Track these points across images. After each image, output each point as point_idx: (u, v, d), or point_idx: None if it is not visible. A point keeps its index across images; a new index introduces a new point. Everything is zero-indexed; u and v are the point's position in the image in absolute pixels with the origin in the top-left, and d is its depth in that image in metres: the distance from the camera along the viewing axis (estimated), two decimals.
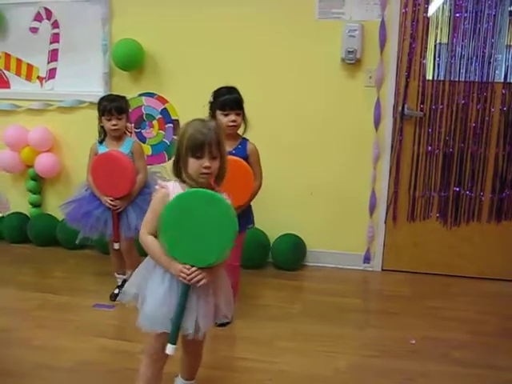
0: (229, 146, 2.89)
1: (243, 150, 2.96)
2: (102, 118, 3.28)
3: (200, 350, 2.27)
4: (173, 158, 2.05)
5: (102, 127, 3.33)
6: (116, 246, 3.35)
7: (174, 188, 2.03)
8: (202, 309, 2.01)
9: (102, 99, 3.33)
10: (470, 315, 3.33)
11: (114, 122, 3.25)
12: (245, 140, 3.00)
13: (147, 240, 2.01)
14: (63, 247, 4.35)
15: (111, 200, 3.24)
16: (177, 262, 1.95)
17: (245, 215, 2.96)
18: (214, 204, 1.91)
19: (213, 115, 2.91)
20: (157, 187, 2.08)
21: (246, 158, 2.94)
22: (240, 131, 3.02)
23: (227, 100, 2.88)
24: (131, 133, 3.67)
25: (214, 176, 2.02)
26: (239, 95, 2.94)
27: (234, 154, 2.87)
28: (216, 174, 2.02)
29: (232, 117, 2.88)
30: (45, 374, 2.55)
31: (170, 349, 2.00)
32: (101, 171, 3.23)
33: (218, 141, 1.96)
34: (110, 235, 3.34)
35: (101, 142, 3.36)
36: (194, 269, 1.93)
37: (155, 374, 2.13)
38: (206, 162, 1.94)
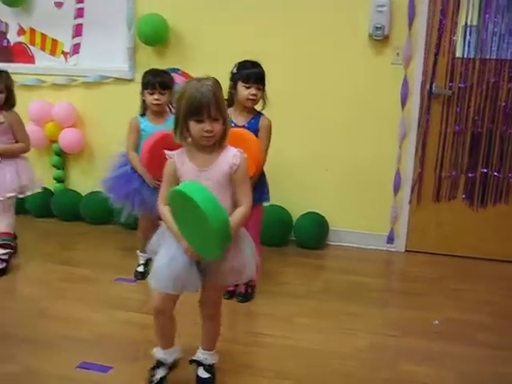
0: (243, 119, 2.93)
1: (255, 124, 2.94)
2: (145, 91, 3.20)
3: (217, 313, 2.24)
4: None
5: (144, 101, 3.24)
6: None
7: (178, 156, 2.03)
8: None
9: (147, 72, 3.25)
10: (495, 298, 3.27)
11: (156, 97, 3.17)
12: (259, 114, 2.98)
13: (163, 210, 2.04)
14: (86, 222, 4.40)
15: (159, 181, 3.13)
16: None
17: (256, 189, 2.92)
18: (196, 209, 1.81)
19: (234, 86, 2.91)
20: (166, 157, 2.07)
21: (257, 132, 2.92)
22: (259, 107, 3.00)
23: (252, 73, 2.88)
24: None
25: (218, 138, 1.99)
26: (263, 70, 2.94)
27: (246, 128, 2.88)
28: (220, 136, 1.99)
29: (253, 90, 2.88)
30: (66, 344, 2.56)
31: None
32: (154, 155, 2.90)
33: (216, 100, 1.93)
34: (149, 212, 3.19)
35: (142, 115, 3.27)
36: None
37: (160, 326, 2.16)
38: (207, 126, 1.92)
